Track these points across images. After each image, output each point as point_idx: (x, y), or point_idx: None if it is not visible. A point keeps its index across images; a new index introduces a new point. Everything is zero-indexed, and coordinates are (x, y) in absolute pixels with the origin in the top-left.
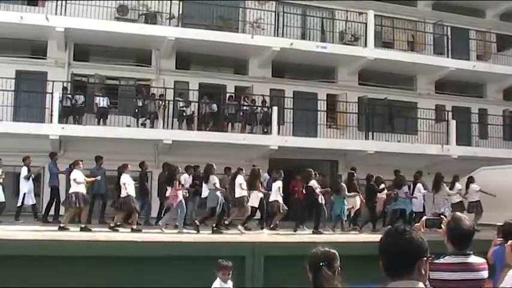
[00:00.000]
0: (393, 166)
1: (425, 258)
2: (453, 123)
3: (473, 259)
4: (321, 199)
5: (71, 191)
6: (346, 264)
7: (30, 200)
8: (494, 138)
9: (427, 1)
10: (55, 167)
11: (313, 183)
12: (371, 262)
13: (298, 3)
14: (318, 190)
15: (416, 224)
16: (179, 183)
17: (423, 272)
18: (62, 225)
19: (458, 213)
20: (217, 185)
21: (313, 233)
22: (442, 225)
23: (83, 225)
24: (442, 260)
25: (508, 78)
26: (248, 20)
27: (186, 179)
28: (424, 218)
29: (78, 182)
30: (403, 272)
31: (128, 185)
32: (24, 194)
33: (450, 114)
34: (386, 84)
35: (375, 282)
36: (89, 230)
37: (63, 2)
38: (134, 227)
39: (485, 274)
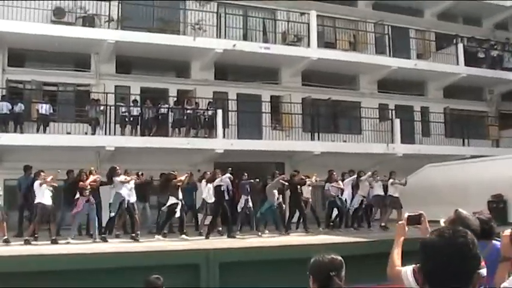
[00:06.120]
0: (339, 166)
1: (479, 272)
2: (397, 122)
3: None
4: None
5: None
6: None
7: None
8: (436, 135)
9: (368, 1)
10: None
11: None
12: None
13: (239, 3)
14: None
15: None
16: None
17: None
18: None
19: (462, 211)
20: None
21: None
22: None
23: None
24: None
25: (447, 76)
26: (189, 21)
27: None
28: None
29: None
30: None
31: None
32: None
33: (394, 112)
34: (330, 85)
35: None
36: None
37: None
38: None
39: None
